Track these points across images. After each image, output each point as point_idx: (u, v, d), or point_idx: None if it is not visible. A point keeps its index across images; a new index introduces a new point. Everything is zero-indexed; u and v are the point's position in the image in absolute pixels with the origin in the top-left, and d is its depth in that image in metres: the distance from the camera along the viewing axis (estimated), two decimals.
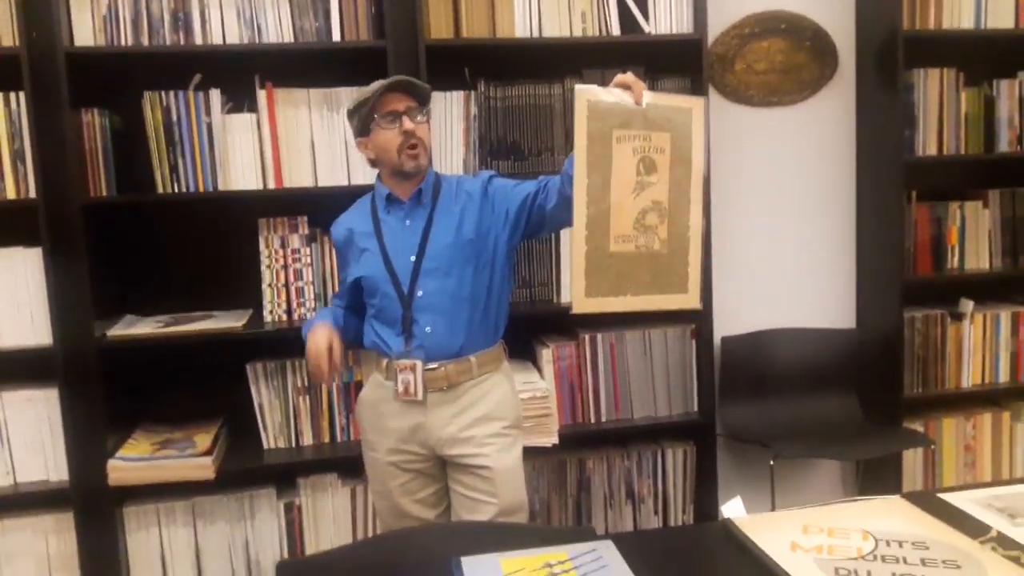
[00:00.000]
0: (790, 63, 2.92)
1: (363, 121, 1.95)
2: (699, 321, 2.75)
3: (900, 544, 1.24)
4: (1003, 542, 1.23)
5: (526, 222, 1.99)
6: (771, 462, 2.61)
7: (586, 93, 1.59)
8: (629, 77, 1.62)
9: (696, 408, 2.79)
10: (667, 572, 1.21)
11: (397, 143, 1.92)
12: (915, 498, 1.41)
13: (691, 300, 1.65)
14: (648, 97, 1.60)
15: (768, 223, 3.01)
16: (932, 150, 2.86)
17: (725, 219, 2.92)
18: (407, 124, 1.91)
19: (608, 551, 1.27)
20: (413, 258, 1.95)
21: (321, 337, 1.97)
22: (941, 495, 1.43)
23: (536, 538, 1.34)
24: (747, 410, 2.90)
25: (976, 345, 2.96)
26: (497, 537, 1.36)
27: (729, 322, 2.94)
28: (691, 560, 1.28)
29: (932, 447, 2.82)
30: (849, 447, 2.73)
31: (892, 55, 2.75)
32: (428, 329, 1.94)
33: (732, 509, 1.37)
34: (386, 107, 1.92)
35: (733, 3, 2.87)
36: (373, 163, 2.04)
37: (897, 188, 2.81)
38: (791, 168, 3.00)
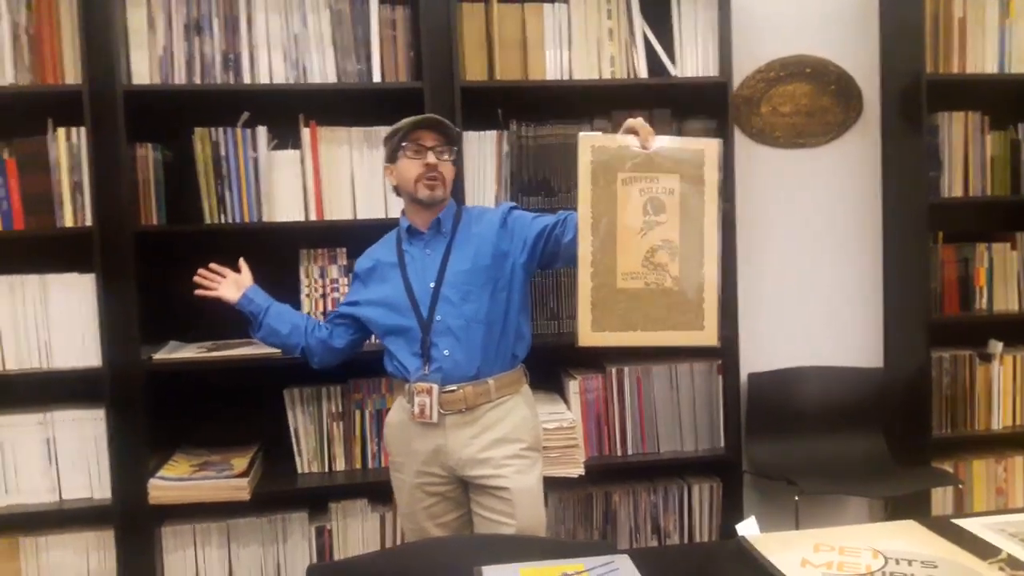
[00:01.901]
0: (815, 106, 2.99)
1: (392, 149, 2.08)
2: (726, 357, 2.78)
3: (909, 563, 1.27)
4: (1013, 563, 1.25)
5: (542, 252, 2.06)
6: (796, 498, 2.62)
7: (589, 139, 1.67)
8: (637, 122, 1.70)
9: (722, 444, 2.81)
10: None
11: (417, 173, 2.03)
12: (928, 522, 1.43)
13: (708, 337, 1.67)
14: (657, 141, 1.66)
15: (795, 262, 3.06)
16: (958, 192, 2.90)
17: (753, 258, 2.98)
18: (430, 158, 2.02)
19: (624, 564, 1.31)
20: (432, 284, 2.04)
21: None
22: (954, 520, 1.46)
23: (555, 551, 1.39)
24: (773, 447, 2.92)
25: (1006, 387, 2.96)
26: (518, 549, 1.41)
27: (756, 359, 2.98)
28: (704, 575, 1.32)
29: (960, 486, 2.80)
30: (875, 485, 2.73)
31: (916, 99, 2.81)
32: (446, 352, 2.02)
33: (747, 528, 1.41)
34: (415, 140, 2.03)
35: (759, 48, 2.95)
36: (397, 191, 2.15)
37: (922, 229, 2.84)
38: (817, 208, 3.05)
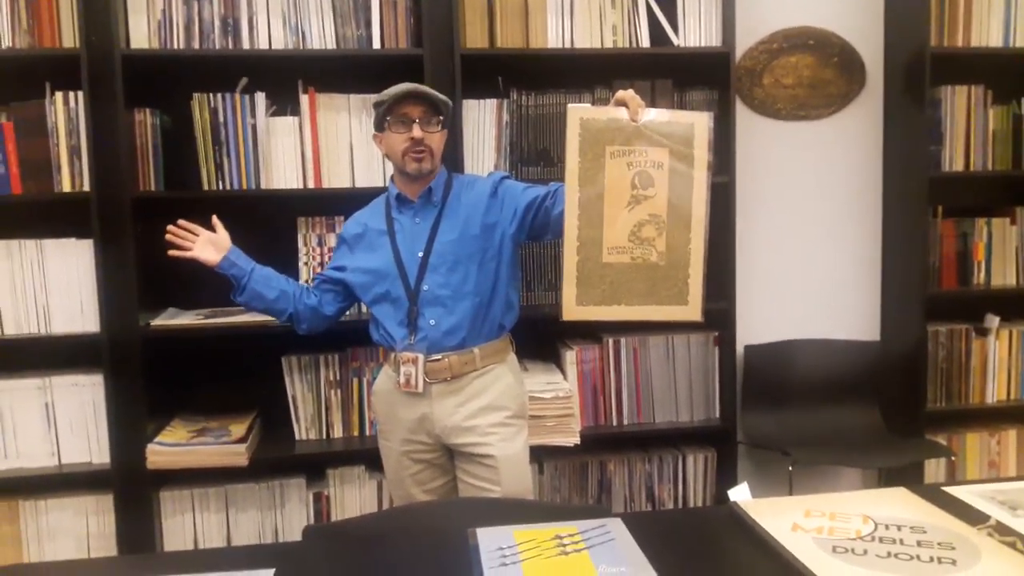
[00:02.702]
0: (817, 78, 2.97)
1: (379, 119, 2.06)
2: (722, 329, 2.79)
3: (899, 528, 1.28)
4: (1001, 529, 1.27)
5: (531, 223, 2.05)
6: (790, 468, 2.64)
7: (579, 111, 1.66)
8: (627, 94, 1.68)
9: (718, 415, 2.83)
10: (672, 549, 1.27)
11: (403, 146, 2.01)
12: (919, 489, 1.44)
13: (692, 312, 1.67)
14: (647, 114, 1.64)
15: (794, 235, 3.05)
16: (959, 166, 2.89)
17: (751, 230, 2.98)
18: (416, 132, 1.99)
19: (617, 527, 1.32)
20: (421, 254, 2.04)
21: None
22: (945, 488, 1.47)
23: (549, 515, 1.40)
24: (768, 418, 2.93)
25: (1002, 361, 2.97)
26: (512, 513, 1.43)
27: (753, 331, 2.99)
28: (696, 538, 1.34)
29: (953, 458, 2.82)
30: (869, 456, 2.76)
31: (920, 72, 2.79)
32: (432, 322, 2.02)
33: (738, 493, 1.42)
34: (400, 111, 2.01)
35: (762, 19, 2.93)
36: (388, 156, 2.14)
37: (922, 203, 2.84)
38: (818, 181, 3.05)
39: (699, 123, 1.64)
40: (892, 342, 3.04)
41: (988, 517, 1.31)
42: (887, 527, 1.29)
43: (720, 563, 1.26)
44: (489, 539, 1.30)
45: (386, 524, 1.44)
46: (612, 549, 1.25)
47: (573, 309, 1.67)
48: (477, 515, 1.43)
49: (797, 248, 3.06)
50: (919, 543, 1.23)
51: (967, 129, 2.88)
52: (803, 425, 2.92)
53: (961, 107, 2.87)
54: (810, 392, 2.98)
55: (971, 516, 1.33)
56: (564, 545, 1.27)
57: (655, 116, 1.65)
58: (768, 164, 3.01)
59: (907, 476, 2.86)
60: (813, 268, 3.08)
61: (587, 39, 2.65)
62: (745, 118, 2.94)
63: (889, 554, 1.19)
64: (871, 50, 3.01)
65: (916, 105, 2.84)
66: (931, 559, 1.17)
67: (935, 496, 1.42)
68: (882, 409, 2.99)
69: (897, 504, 1.39)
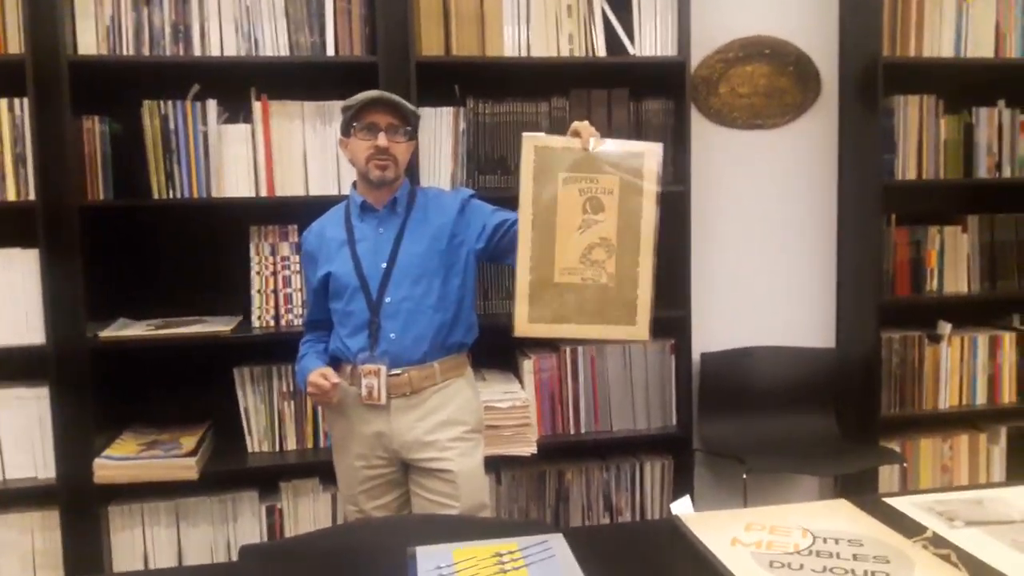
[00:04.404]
0: (773, 87, 2.99)
1: (345, 124, 2.04)
2: (678, 337, 2.80)
3: (836, 541, 1.29)
4: (936, 542, 1.27)
5: (497, 243, 2.04)
6: (744, 476, 2.65)
7: (534, 139, 1.73)
8: (581, 125, 1.74)
9: (675, 422, 2.84)
10: (611, 564, 1.26)
11: (367, 153, 2.00)
12: (860, 501, 1.45)
13: (639, 332, 1.74)
14: (598, 144, 1.72)
15: (750, 243, 3.07)
16: (912, 175, 2.92)
17: (707, 238, 2.99)
18: (381, 140, 1.98)
19: (557, 543, 1.31)
20: (384, 265, 2.02)
21: (315, 376, 2.00)
22: (886, 499, 1.48)
23: (492, 530, 1.39)
24: (725, 425, 2.95)
25: (954, 367, 3.01)
26: (455, 529, 1.41)
27: (709, 338, 3.00)
28: (635, 553, 1.33)
29: (904, 465, 2.85)
30: (823, 463, 2.78)
31: (873, 81, 2.82)
32: (393, 335, 2.00)
33: (680, 507, 1.42)
34: (367, 118, 1.99)
35: (718, 28, 2.95)
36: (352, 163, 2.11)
37: (877, 211, 2.87)
38: (774, 190, 3.07)
39: (650, 153, 1.71)
40: (847, 349, 3.07)
41: (925, 529, 1.32)
42: (825, 540, 1.29)
43: None
44: (427, 558, 1.28)
45: (327, 542, 1.42)
46: (551, 566, 1.24)
47: (524, 326, 1.73)
48: (420, 533, 1.41)
49: (753, 256, 3.08)
50: (855, 556, 1.23)
51: (919, 138, 2.92)
52: (759, 432, 2.94)
53: (914, 116, 2.91)
54: (767, 399, 3.00)
55: (909, 528, 1.34)
56: (503, 563, 1.26)
57: (608, 146, 1.73)
58: (724, 173, 3.02)
59: (862, 482, 2.89)
60: (769, 276, 3.10)
61: (544, 47, 2.65)
62: (701, 127, 2.95)
63: (824, 568, 1.19)
64: (826, 59, 3.04)
65: (870, 114, 2.87)
66: (865, 572, 1.18)
67: (875, 508, 1.43)
68: (838, 416, 3.02)
69: (837, 517, 1.39)
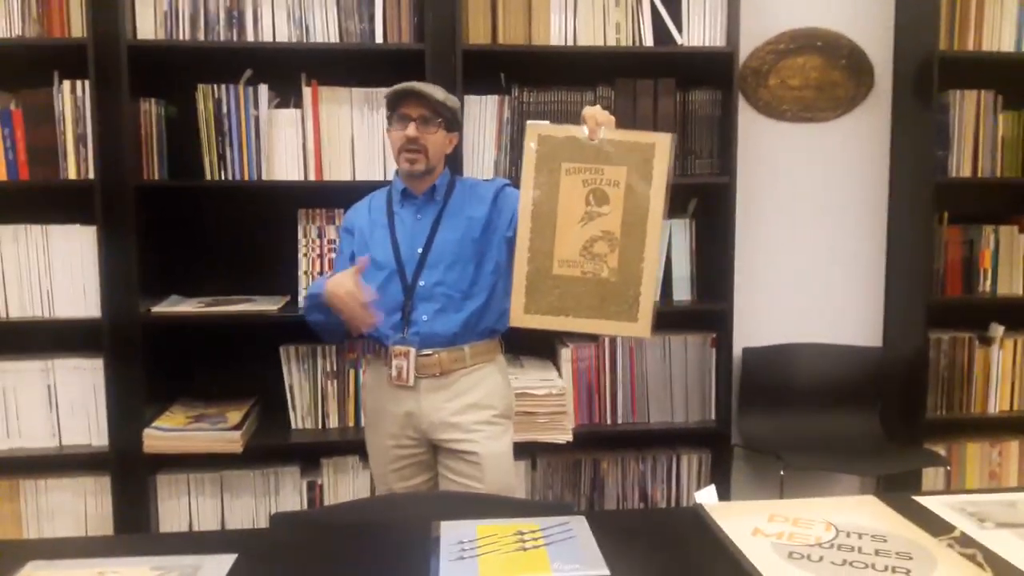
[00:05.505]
0: (825, 80, 2.94)
1: (387, 116, 2.09)
2: (720, 330, 2.78)
3: (860, 536, 1.28)
4: (963, 541, 1.26)
5: None
6: (781, 472, 2.63)
7: (538, 128, 1.68)
8: (590, 111, 1.69)
9: (713, 416, 2.82)
10: (630, 548, 1.27)
11: (399, 144, 2.03)
12: (889, 499, 1.44)
13: (640, 329, 1.68)
14: (606, 133, 1.65)
15: (797, 237, 3.03)
16: (966, 172, 2.85)
17: (752, 231, 2.96)
18: (410, 131, 2.00)
19: (579, 525, 1.33)
20: (420, 250, 2.05)
21: (340, 281, 1.92)
22: (917, 498, 1.46)
23: (517, 511, 1.41)
24: (765, 421, 2.92)
25: (1005, 371, 2.93)
26: (481, 508, 1.44)
27: (752, 333, 2.98)
28: (655, 538, 1.34)
29: (948, 468, 2.80)
30: (864, 463, 2.74)
31: (928, 76, 2.76)
32: (425, 318, 2.03)
33: (704, 496, 1.43)
34: (401, 109, 2.03)
35: (769, 19, 2.91)
36: None
37: (928, 209, 2.80)
38: (822, 184, 3.02)
39: (660, 143, 1.64)
40: (894, 348, 3.01)
41: (953, 528, 1.31)
42: (848, 535, 1.28)
43: (675, 564, 1.26)
44: (451, 532, 1.32)
45: (355, 514, 1.46)
46: (570, 547, 1.26)
47: (520, 316, 1.70)
48: (447, 509, 1.45)
49: (799, 251, 3.04)
50: (877, 552, 1.22)
51: (976, 134, 2.84)
52: (799, 430, 2.90)
53: (970, 112, 2.83)
54: (808, 397, 2.96)
55: (937, 527, 1.32)
56: (524, 541, 1.28)
57: (616, 136, 1.66)
58: (771, 165, 2.99)
59: (905, 485, 2.83)
60: (815, 271, 3.05)
61: (590, 36, 2.65)
62: (749, 119, 2.92)
63: (844, 562, 1.19)
64: (880, 53, 2.98)
65: (924, 109, 2.81)
66: (886, 568, 1.17)
67: (905, 506, 1.41)
68: (882, 416, 2.97)
69: (864, 512, 1.38)
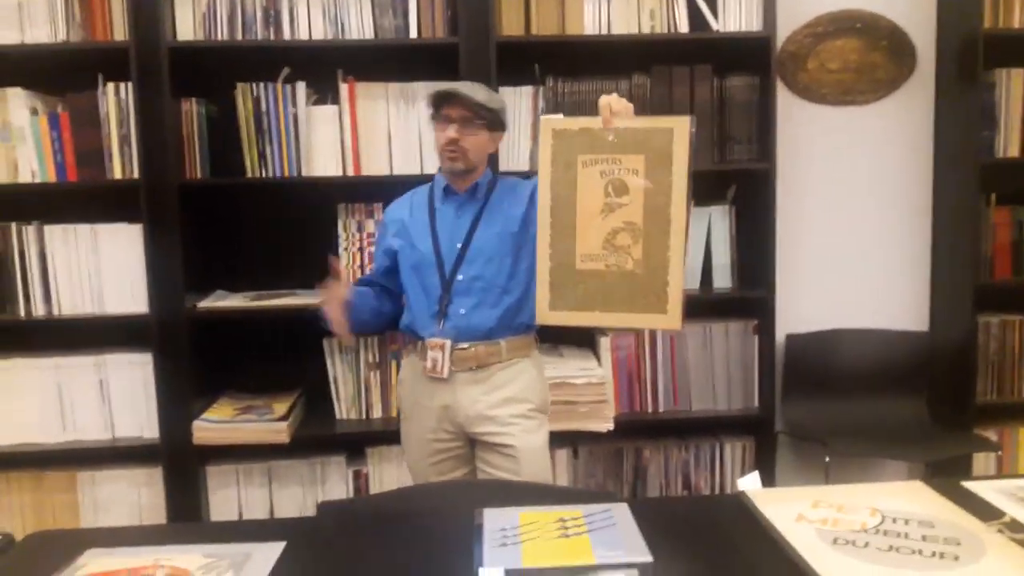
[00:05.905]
0: (865, 62, 2.90)
1: (431, 115, 2.10)
2: (762, 317, 2.76)
3: (906, 521, 1.27)
4: (1013, 527, 1.24)
5: None
6: (826, 459, 2.61)
7: (551, 122, 1.63)
8: (605, 100, 1.64)
9: (756, 403, 2.80)
10: (673, 535, 1.27)
11: (441, 144, 2.06)
12: (937, 484, 1.42)
13: (671, 321, 1.61)
14: (622, 121, 1.60)
15: (840, 222, 2.99)
16: (1014, 152, 2.79)
17: (793, 217, 2.93)
18: (450, 132, 2.02)
19: (620, 512, 1.34)
20: (459, 245, 2.08)
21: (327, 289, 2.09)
22: (966, 483, 1.44)
23: (559, 498, 1.42)
24: (809, 408, 2.89)
25: None
26: (523, 496, 1.45)
27: (795, 320, 2.95)
28: (698, 525, 1.34)
29: (999, 453, 2.74)
30: (911, 449, 2.70)
31: (972, 55, 2.70)
32: (462, 311, 2.06)
33: (748, 482, 1.42)
34: (443, 110, 2.04)
35: (806, 2, 2.87)
36: None
37: (974, 190, 2.75)
38: (865, 168, 2.97)
39: (679, 128, 1.57)
40: (941, 333, 2.96)
41: (1003, 514, 1.29)
42: (894, 520, 1.27)
43: (718, 551, 1.26)
44: (494, 519, 1.33)
45: (400, 503, 1.49)
46: (612, 533, 1.26)
47: (546, 313, 1.66)
48: (489, 497, 1.46)
49: (842, 236, 3.00)
50: (924, 537, 1.21)
51: (1023, 113, 2.77)
52: (845, 416, 2.87)
53: (1017, 91, 2.76)
54: (853, 382, 2.92)
55: (986, 512, 1.30)
56: (567, 528, 1.29)
57: (632, 123, 1.61)
58: (813, 150, 2.95)
59: (955, 471, 2.78)
60: (859, 256, 3.01)
61: (624, 24, 2.64)
62: (788, 103, 2.89)
63: (891, 547, 1.18)
64: (922, 33, 2.92)
65: (969, 89, 2.75)
66: (933, 554, 1.16)
67: (953, 491, 1.39)
68: (929, 402, 2.92)
69: (911, 498, 1.37)
